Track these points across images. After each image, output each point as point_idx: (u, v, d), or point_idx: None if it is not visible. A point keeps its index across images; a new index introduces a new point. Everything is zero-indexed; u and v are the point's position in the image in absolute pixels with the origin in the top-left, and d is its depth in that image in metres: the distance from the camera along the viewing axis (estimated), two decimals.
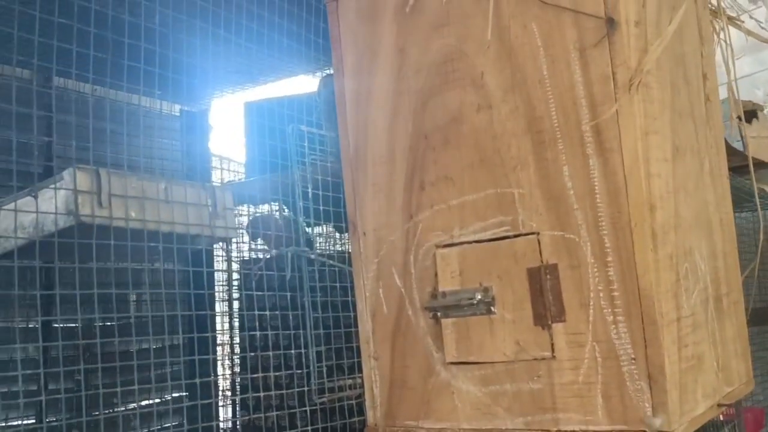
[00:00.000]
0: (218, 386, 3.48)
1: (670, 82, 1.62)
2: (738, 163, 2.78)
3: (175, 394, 3.32)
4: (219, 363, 3.62)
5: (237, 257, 3.58)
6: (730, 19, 2.06)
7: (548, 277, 1.46)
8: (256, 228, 2.96)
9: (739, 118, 2.03)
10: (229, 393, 3.50)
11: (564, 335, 1.45)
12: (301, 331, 2.60)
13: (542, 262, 1.48)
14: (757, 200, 2.18)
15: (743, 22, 2.11)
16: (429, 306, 1.60)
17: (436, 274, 1.60)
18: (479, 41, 1.56)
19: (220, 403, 3.42)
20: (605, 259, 1.41)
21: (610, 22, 1.42)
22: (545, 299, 1.46)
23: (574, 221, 1.45)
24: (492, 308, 1.52)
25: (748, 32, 2.07)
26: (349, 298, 2.60)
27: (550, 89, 1.48)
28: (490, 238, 1.54)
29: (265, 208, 3.19)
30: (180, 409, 3.08)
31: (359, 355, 1.72)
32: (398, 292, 1.66)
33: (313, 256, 2.63)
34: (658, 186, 1.45)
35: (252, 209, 3.21)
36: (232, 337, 3.63)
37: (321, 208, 2.60)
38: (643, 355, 1.37)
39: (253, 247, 3.20)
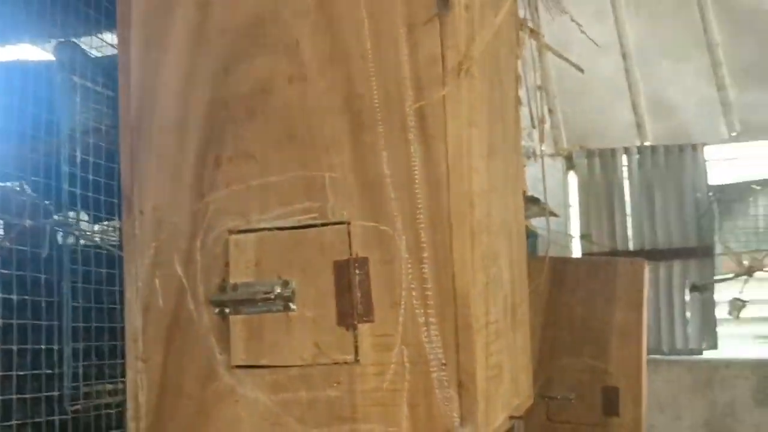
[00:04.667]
0: None
1: (488, 78, 1.61)
2: None
3: None
4: None
5: None
6: (531, 31, 2.13)
7: (357, 271, 1.37)
8: None
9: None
10: None
11: (370, 337, 1.36)
12: (55, 323, 2.24)
13: (352, 254, 1.38)
14: None
15: (543, 35, 2.19)
16: (216, 300, 1.44)
17: (227, 264, 1.45)
18: (298, 5, 1.44)
19: None
20: (420, 254, 1.35)
21: (443, 2, 1.37)
22: (352, 296, 1.37)
23: (390, 212, 1.37)
24: (291, 304, 1.40)
25: (547, 47, 2.15)
26: (117, 288, 2.32)
27: (373, 66, 1.40)
28: (294, 225, 1.42)
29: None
30: None
31: (125, 357, 1.51)
32: (179, 282, 1.48)
33: (76, 233, 2.31)
34: (478, 182, 1.42)
35: None
36: None
37: (91, 178, 2.31)
38: (455, 361, 1.32)
39: None
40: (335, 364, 1.37)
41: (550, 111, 5.61)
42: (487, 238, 1.48)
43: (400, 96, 1.38)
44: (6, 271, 2.21)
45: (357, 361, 1.36)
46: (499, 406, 1.50)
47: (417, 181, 1.36)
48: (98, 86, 2.36)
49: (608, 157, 5.85)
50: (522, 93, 2.11)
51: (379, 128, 1.39)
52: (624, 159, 5.83)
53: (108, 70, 2.38)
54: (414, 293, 1.34)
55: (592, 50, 4.48)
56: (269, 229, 1.43)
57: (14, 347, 2.12)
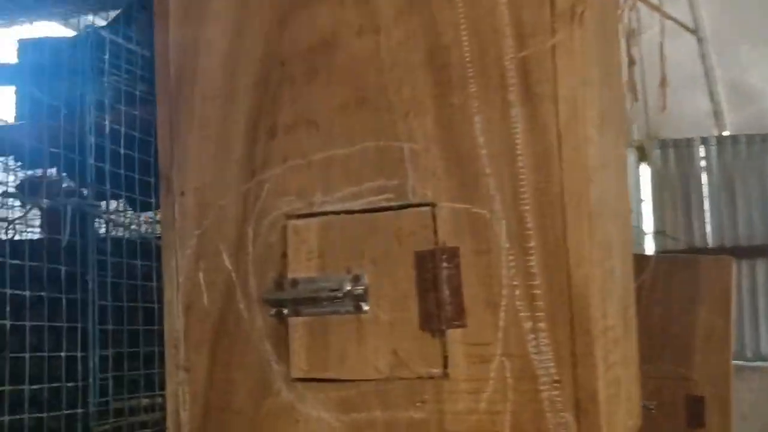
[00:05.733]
0: None
1: (600, 32, 1.34)
2: None
3: None
4: None
5: None
6: None
7: (445, 264, 1.12)
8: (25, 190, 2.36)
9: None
10: None
11: (462, 345, 1.10)
12: (78, 325, 1.99)
13: (437, 243, 1.12)
14: None
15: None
16: (271, 298, 1.20)
17: (284, 255, 1.20)
18: None
19: None
20: (525, 243, 1.09)
21: None
22: (439, 295, 1.11)
23: (485, 190, 1.11)
24: (362, 304, 1.15)
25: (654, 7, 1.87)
26: (155, 283, 2.07)
27: (463, 10, 1.15)
28: (366, 208, 1.17)
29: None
30: None
31: (163, 365, 1.28)
32: (227, 277, 1.24)
33: (103, 218, 2.08)
34: (593, 154, 1.15)
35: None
36: None
37: (123, 151, 2.07)
38: (570, 377, 1.06)
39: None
40: (418, 378, 1.12)
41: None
42: (602, 223, 1.21)
43: (498, 47, 1.12)
44: (16, 262, 1.96)
45: (446, 375, 1.10)
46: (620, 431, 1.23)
47: (520, 151, 1.10)
48: (131, 43, 2.12)
49: (684, 147, 5.51)
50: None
51: (470, 87, 1.13)
52: (701, 150, 5.48)
53: (143, 25, 2.15)
54: (517, 292, 1.08)
55: (666, 34, 4.18)
56: (335, 213, 1.19)
57: (27, 355, 1.85)
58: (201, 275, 1.26)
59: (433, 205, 1.13)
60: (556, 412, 1.06)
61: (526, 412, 1.07)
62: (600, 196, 1.20)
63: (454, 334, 1.11)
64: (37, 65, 2.31)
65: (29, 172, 2.45)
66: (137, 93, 2.15)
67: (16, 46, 2.78)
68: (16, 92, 2.80)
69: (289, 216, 1.21)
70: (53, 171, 2.24)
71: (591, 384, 1.05)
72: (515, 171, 1.10)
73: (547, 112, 1.10)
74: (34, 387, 1.95)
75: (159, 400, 2.04)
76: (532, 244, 1.09)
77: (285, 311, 1.19)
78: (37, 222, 2.56)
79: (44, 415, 1.94)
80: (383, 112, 1.18)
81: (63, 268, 2.02)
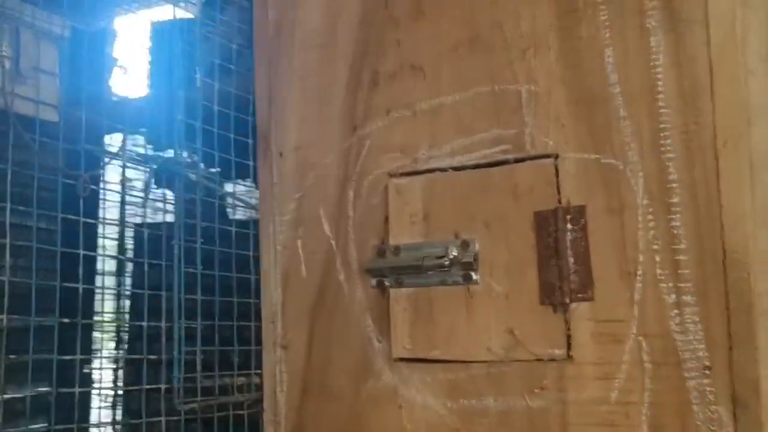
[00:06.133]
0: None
1: None
2: None
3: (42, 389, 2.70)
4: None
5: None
6: None
7: (569, 226, 0.94)
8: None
9: None
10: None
11: (590, 322, 0.92)
12: (163, 293, 1.91)
13: (561, 202, 0.95)
14: None
15: None
16: (372, 268, 1.07)
17: (387, 219, 1.07)
18: None
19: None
20: (668, 199, 0.90)
21: None
22: (562, 263, 0.94)
23: (619, 138, 0.93)
24: (473, 274, 0.99)
25: None
26: (251, 253, 1.98)
27: None
28: (478, 163, 1.01)
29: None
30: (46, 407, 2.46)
31: (259, 342, 1.18)
32: (326, 245, 1.12)
33: (193, 177, 2.01)
34: (756, 91, 0.93)
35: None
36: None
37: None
38: (725, 363, 0.86)
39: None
40: (537, 360, 0.95)
41: None
42: (766, 176, 0.99)
43: None
44: (90, 220, 1.91)
45: (569, 357, 0.93)
46: None
47: (661, 88, 0.91)
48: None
49: None
50: None
51: (600, 15, 0.95)
52: None
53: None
54: (658, 258, 0.90)
55: None
56: (443, 170, 1.04)
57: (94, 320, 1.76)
58: (300, 243, 1.15)
59: (555, 156, 0.96)
60: (705, 405, 0.86)
61: (667, 404, 0.88)
62: (764, 141, 0.99)
63: (579, 309, 0.93)
64: (168, 46, 2.31)
65: (163, 154, 2.44)
66: (232, 68, 2.09)
67: (149, 27, 2.82)
68: (150, 70, 2.84)
69: (392, 174, 1.07)
70: (187, 155, 2.22)
71: (751, 372, 0.85)
72: (655, 112, 0.91)
73: (695, 39, 0.90)
74: (105, 355, 1.89)
75: (256, 380, 1.93)
76: (676, 200, 0.89)
77: (387, 282, 1.05)
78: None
79: (120, 387, 1.87)
80: (498, 51, 1.01)
81: (145, 231, 1.97)
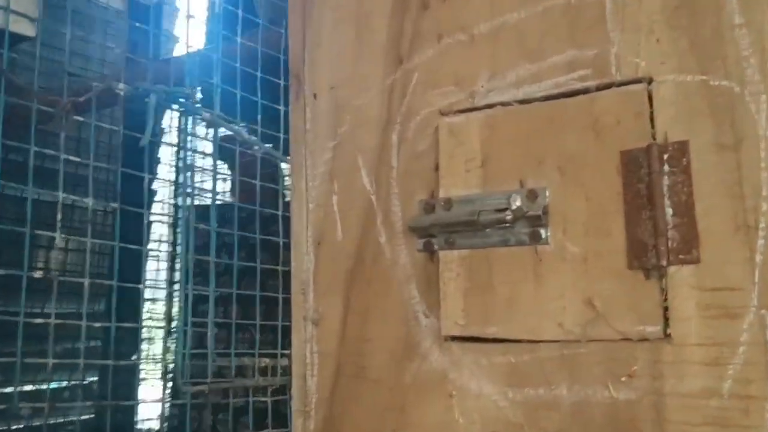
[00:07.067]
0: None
1: None
2: None
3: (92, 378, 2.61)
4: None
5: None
6: None
7: (667, 168, 0.73)
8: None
9: None
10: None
11: (694, 291, 0.72)
12: (163, 258, 1.71)
13: (655, 138, 0.74)
14: None
15: None
16: (418, 225, 0.88)
17: (437, 167, 0.88)
18: None
19: None
20: None
21: None
22: (657, 215, 0.73)
23: (733, 52, 0.72)
24: (542, 231, 0.79)
25: None
26: (280, 212, 1.78)
27: None
28: (550, 94, 0.81)
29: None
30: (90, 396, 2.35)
31: (288, 317, 1.00)
32: (365, 201, 0.94)
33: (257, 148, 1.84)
34: None
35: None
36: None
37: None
38: None
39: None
40: (624, 340, 0.74)
41: None
42: None
43: None
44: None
45: (667, 336, 0.72)
46: None
47: None
48: None
49: None
50: None
51: None
52: None
53: None
54: None
55: None
56: (505, 104, 0.84)
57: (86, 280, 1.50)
58: (335, 200, 0.97)
59: (649, 80, 0.76)
60: None
61: None
62: None
63: (681, 274, 0.72)
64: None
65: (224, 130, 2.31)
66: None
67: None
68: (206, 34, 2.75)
69: (445, 113, 0.88)
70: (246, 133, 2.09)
71: None
72: None
73: None
74: (98, 325, 1.67)
75: (284, 362, 1.71)
76: None
77: (435, 244, 0.86)
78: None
79: (115, 362, 1.61)
80: None
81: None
